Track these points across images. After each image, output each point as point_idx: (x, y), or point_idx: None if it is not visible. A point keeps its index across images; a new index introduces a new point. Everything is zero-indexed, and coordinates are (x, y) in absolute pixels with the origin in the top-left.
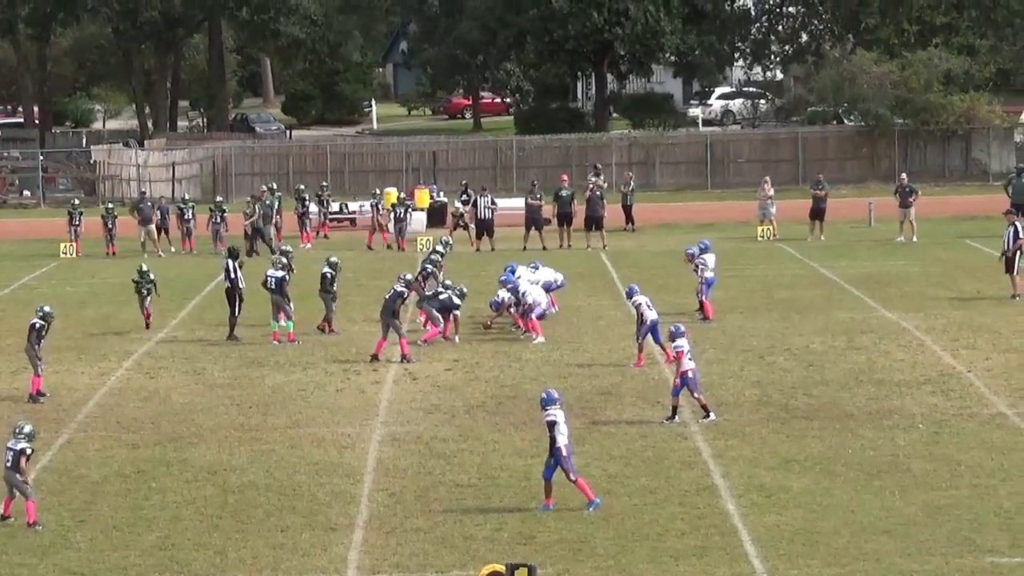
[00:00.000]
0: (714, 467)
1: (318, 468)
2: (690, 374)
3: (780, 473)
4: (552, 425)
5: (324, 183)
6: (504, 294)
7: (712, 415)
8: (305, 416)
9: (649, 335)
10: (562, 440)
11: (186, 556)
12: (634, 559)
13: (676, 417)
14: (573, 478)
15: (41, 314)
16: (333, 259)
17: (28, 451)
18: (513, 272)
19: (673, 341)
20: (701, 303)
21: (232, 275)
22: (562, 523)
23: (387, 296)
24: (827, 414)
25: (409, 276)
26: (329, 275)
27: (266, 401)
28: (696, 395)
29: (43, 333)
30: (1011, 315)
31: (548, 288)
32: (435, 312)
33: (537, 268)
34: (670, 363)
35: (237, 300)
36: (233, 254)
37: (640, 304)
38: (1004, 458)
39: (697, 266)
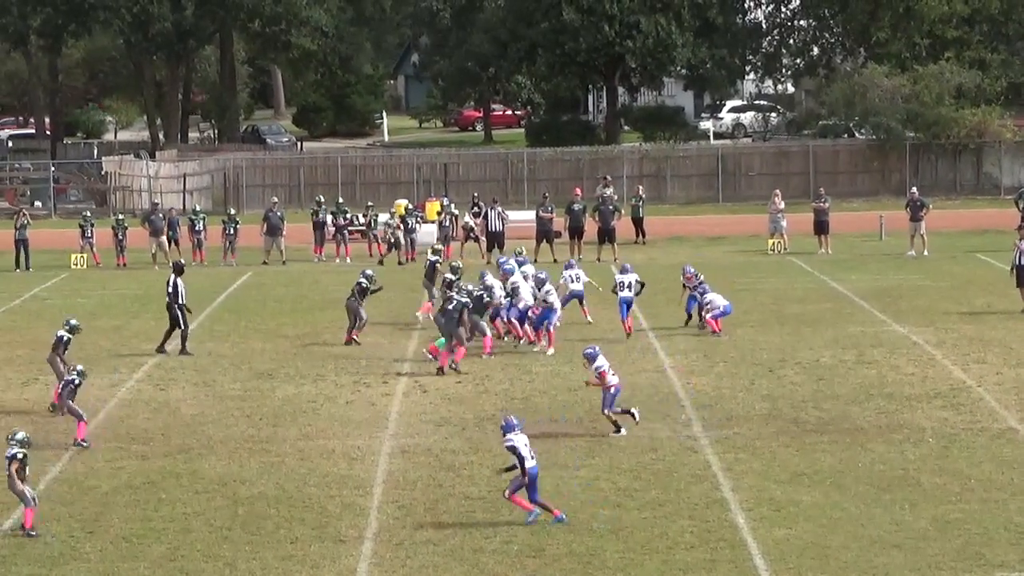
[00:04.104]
0: (724, 480)
1: (328, 480)
2: (612, 390)
3: (790, 487)
4: (512, 450)
5: (370, 202)
6: (498, 291)
7: (623, 430)
8: (315, 428)
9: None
10: (526, 464)
11: (196, 568)
12: (643, 572)
13: (623, 430)
14: (532, 499)
15: (68, 327)
16: (369, 272)
17: (19, 456)
18: (519, 265)
19: (592, 363)
20: (689, 315)
21: (171, 290)
22: (572, 536)
23: (449, 307)
24: (837, 428)
25: (470, 286)
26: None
27: (276, 413)
28: (606, 411)
29: (68, 346)
30: (1022, 329)
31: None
32: (480, 322)
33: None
34: (592, 386)
35: (178, 315)
36: (178, 269)
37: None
38: (1014, 472)
39: (696, 288)
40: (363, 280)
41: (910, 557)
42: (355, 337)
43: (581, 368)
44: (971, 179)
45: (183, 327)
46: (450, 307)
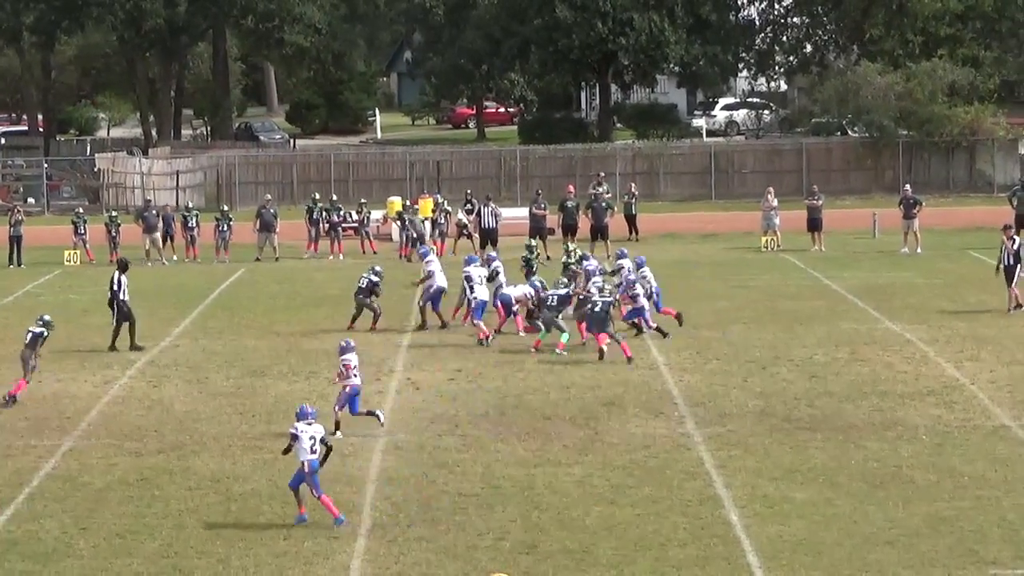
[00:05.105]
0: (717, 477)
1: (321, 477)
2: (348, 389)
3: (783, 484)
4: (293, 437)
5: (363, 199)
6: (524, 289)
7: (339, 433)
8: None
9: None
10: (304, 456)
11: (189, 564)
12: (637, 569)
13: (338, 432)
14: (316, 495)
15: (42, 323)
16: (378, 268)
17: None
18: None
19: (341, 355)
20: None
21: (114, 287)
22: (565, 533)
23: (596, 309)
24: (830, 425)
25: (600, 282)
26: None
27: (269, 410)
28: (336, 408)
29: (44, 341)
30: (1015, 327)
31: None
32: (557, 320)
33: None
34: (336, 381)
35: (117, 311)
36: (122, 266)
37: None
38: (1007, 470)
39: (624, 280)
40: (374, 278)
41: (903, 554)
42: (375, 327)
43: (573, 366)
44: (964, 177)
45: (114, 324)
46: (597, 308)
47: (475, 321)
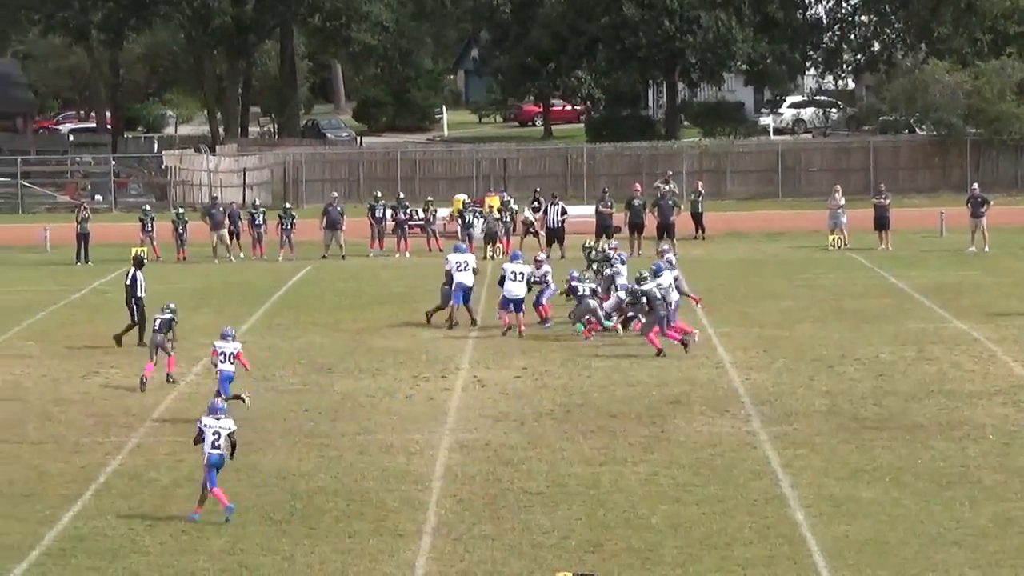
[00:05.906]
0: (783, 477)
1: (387, 474)
2: (218, 376)
3: (849, 483)
4: (199, 432)
5: (430, 198)
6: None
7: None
8: (374, 422)
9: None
10: (206, 448)
11: (254, 561)
12: (702, 568)
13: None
14: (208, 488)
15: (170, 310)
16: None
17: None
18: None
19: (219, 340)
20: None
21: (128, 282)
22: (630, 531)
23: (658, 301)
24: (897, 424)
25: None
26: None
27: (335, 407)
28: (224, 396)
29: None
30: None
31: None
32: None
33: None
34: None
35: (136, 309)
36: (138, 263)
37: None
38: None
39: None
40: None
41: (970, 554)
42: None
43: (639, 364)
44: None
45: (137, 322)
46: (674, 299)
47: (499, 311)
